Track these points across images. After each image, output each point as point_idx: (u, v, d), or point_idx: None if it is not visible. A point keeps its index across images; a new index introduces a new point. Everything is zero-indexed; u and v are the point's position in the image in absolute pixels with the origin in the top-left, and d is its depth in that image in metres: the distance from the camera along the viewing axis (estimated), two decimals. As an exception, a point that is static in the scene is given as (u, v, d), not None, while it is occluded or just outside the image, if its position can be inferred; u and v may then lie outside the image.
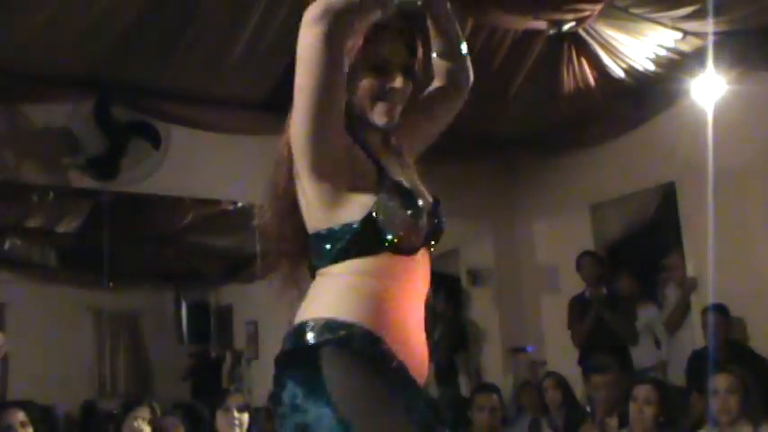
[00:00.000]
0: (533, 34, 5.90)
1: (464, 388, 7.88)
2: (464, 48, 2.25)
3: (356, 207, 1.91)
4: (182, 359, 11.42)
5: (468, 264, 8.26)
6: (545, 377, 6.23)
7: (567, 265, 7.14)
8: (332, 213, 1.93)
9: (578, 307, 6.76)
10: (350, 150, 1.97)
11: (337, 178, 1.92)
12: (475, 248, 8.11)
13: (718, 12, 5.34)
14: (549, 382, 6.02)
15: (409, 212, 1.93)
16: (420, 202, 1.98)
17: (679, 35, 5.89)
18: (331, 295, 1.90)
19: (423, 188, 2.10)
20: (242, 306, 11.53)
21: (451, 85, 2.26)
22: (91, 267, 9.28)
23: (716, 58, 5.83)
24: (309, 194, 1.95)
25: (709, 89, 6.07)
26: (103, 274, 8.94)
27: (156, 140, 6.24)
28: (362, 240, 1.91)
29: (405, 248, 1.94)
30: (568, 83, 6.38)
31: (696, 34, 5.88)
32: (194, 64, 5.90)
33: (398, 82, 2.03)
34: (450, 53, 2.24)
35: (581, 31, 5.75)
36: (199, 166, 6.44)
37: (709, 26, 5.63)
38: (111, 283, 9.24)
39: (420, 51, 2.08)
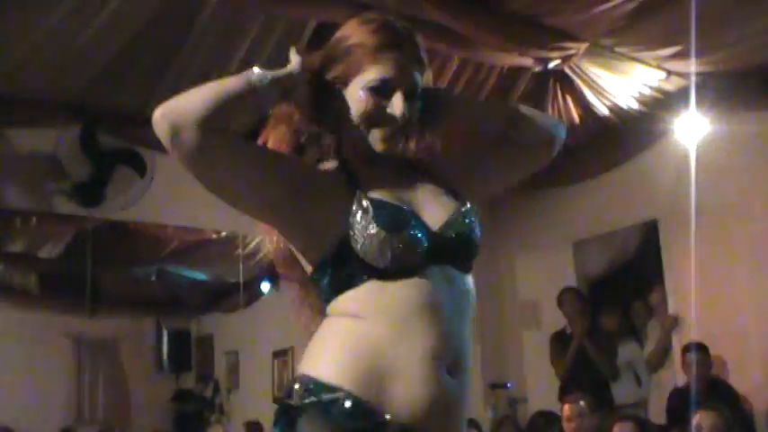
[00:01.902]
0: (519, 71, 5.94)
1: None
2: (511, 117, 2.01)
3: (331, 237, 1.73)
4: (161, 388, 11.31)
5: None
6: (543, 417, 6.01)
7: (548, 302, 7.14)
8: (312, 251, 1.78)
9: (560, 343, 6.76)
10: (317, 181, 1.80)
11: (297, 219, 1.77)
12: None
13: (701, 53, 5.40)
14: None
15: (381, 227, 1.68)
16: (404, 214, 1.73)
17: (663, 74, 5.95)
18: (324, 347, 1.73)
19: (439, 201, 1.83)
20: (223, 336, 11.45)
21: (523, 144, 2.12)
22: (72, 293, 9.25)
23: (699, 98, 5.89)
24: (289, 243, 1.85)
25: (691, 128, 6.13)
26: (85, 301, 8.92)
27: (141, 168, 6.24)
28: (342, 270, 1.71)
29: (385, 271, 1.68)
30: (553, 119, 6.41)
31: (679, 74, 5.95)
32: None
33: (397, 106, 1.74)
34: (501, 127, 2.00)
35: (566, 69, 5.79)
36: (183, 194, 6.37)
37: (692, 66, 5.69)
38: (91, 311, 9.20)
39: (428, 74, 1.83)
